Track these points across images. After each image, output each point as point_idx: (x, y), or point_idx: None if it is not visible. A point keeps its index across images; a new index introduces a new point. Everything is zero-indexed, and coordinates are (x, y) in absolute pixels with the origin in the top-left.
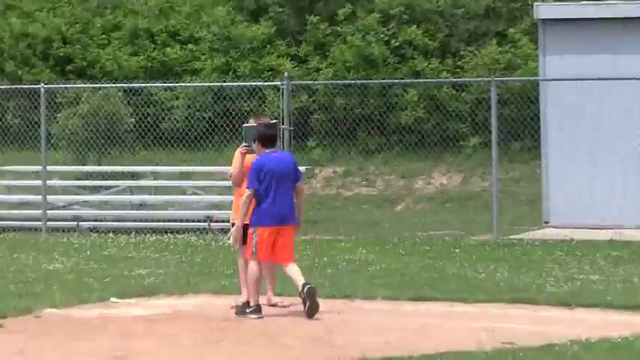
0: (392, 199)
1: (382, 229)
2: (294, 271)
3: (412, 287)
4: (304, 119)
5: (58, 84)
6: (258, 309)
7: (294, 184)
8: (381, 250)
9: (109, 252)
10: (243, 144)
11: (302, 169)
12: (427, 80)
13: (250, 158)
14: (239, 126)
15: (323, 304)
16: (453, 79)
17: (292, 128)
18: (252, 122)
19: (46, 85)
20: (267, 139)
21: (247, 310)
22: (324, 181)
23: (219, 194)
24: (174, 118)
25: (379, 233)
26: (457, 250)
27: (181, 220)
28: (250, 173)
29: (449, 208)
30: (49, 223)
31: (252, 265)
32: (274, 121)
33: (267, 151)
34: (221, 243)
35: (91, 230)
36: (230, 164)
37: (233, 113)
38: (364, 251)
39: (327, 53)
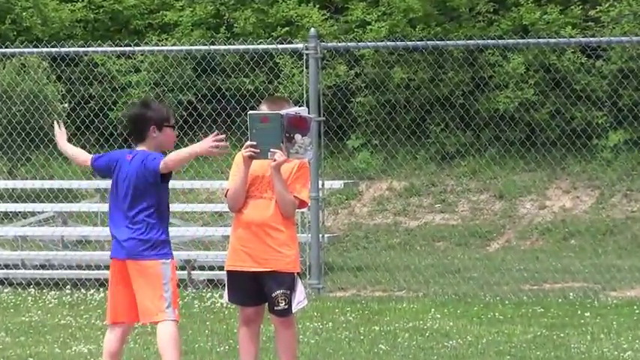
0: (483, 233)
1: (467, 281)
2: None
3: None
4: (342, 104)
5: None
6: None
7: None
8: (465, 314)
9: (29, 317)
10: (248, 143)
11: (337, 183)
12: (540, 40)
13: (262, 166)
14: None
15: None
16: (584, 39)
17: (323, 118)
18: (263, 108)
19: None
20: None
21: None
22: (374, 204)
23: (204, 225)
24: (133, 103)
25: (462, 287)
26: (588, 315)
27: None
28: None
29: (575, 246)
30: None
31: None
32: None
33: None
34: (209, 302)
35: (0, 283)
36: (225, 176)
37: (227, 95)
38: (438, 315)
39: None
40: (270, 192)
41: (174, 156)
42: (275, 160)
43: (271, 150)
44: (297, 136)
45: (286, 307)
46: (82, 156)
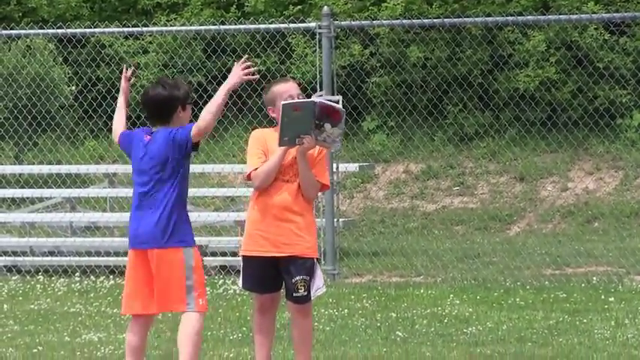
0: (503, 216)
1: (487, 266)
2: None
3: None
4: (356, 85)
5: None
6: None
7: None
8: (485, 300)
9: (38, 305)
10: (284, 139)
11: (352, 165)
12: (562, 17)
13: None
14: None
15: None
16: (607, 15)
17: (340, 97)
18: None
19: None
20: None
21: None
22: (391, 187)
23: (215, 210)
24: (142, 85)
25: (482, 272)
26: (612, 300)
27: None
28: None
29: (598, 229)
30: None
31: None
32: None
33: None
34: (221, 289)
35: (8, 270)
36: (241, 159)
37: None
38: (457, 301)
39: None
40: (293, 176)
41: (210, 108)
42: (303, 145)
43: (300, 136)
44: (327, 126)
45: (305, 293)
46: (116, 128)
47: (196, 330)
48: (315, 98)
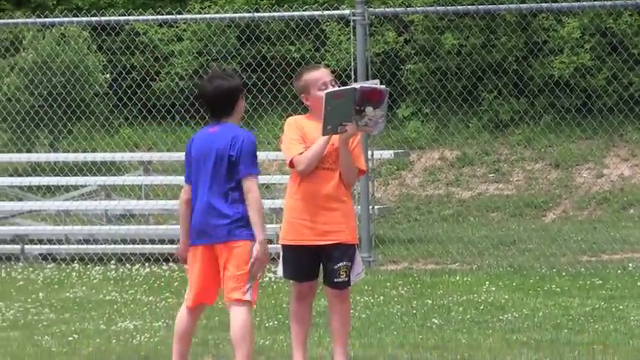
0: (539, 203)
1: (523, 253)
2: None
3: (574, 346)
4: (391, 72)
5: None
6: None
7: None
8: (521, 287)
9: (74, 293)
10: (328, 127)
11: (388, 153)
12: (596, 3)
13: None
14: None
15: None
16: None
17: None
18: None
19: None
20: None
21: None
22: (426, 174)
23: None
24: (176, 73)
25: (518, 259)
26: None
27: None
28: None
29: (634, 216)
30: None
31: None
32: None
33: None
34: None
35: (44, 258)
36: (275, 147)
37: (273, 63)
38: (493, 288)
39: None
40: (333, 163)
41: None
42: (344, 132)
43: (342, 123)
44: (369, 109)
45: (346, 279)
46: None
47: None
48: (355, 84)
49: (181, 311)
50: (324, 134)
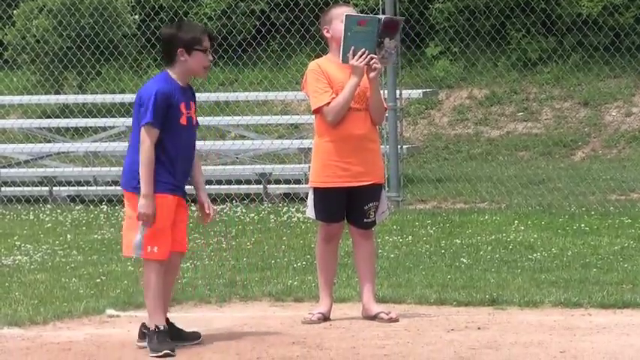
0: (568, 142)
1: (552, 192)
2: None
3: (602, 286)
4: (419, 11)
5: None
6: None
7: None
8: (550, 226)
9: (102, 235)
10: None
11: (416, 92)
12: None
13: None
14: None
15: (453, 312)
16: None
17: (403, 18)
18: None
19: None
20: None
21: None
22: (454, 113)
23: (279, 137)
24: (204, 13)
25: (547, 198)
26: None
27: (219, 182)
28: None
29: None
30: (2, 189)
31: None
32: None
33: None
34: (285, 217)
35: (72, 200)
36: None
37: (301, 3)
38: (522, 228)
39: None
40: (363, 104)
41: None
42: (374, 70)
43: (370, 56)
44: (386, 40)
45: (374, 218)
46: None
47: None
48: (378, 15)
49: None
50: (342, 61)
